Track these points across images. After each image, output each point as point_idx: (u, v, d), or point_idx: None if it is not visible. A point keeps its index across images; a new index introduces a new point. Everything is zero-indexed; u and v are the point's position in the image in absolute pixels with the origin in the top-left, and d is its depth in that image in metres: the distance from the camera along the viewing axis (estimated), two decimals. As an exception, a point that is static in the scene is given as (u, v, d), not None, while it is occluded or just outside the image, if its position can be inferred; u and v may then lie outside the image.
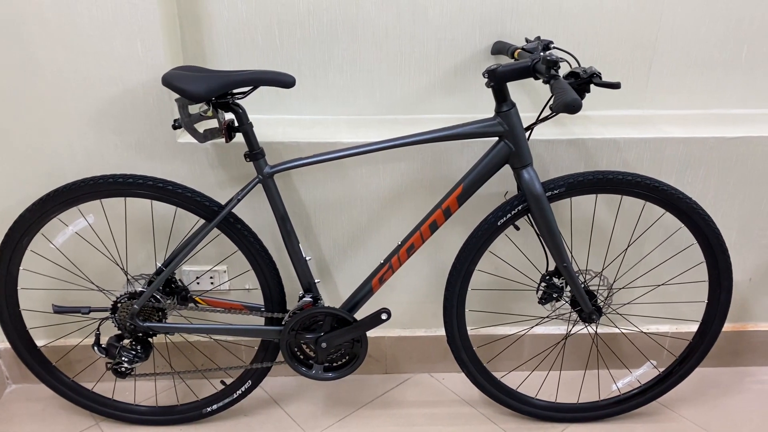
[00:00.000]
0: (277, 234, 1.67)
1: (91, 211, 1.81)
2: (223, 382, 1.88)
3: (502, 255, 1.94)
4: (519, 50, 1.61)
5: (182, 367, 2.03)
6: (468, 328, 1.80)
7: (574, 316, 1.77)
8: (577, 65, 1.47)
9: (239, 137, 1.57)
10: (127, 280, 1.78)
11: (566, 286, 1.72)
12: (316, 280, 1.73)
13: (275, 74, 1.50)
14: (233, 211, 1.63)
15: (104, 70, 1.66)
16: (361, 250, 1.94)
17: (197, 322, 1.80)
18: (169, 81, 1.49)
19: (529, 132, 1.59)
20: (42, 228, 1.70)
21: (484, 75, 1.49)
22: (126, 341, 1.72)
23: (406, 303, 2.03)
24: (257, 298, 1.80)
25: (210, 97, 1.47)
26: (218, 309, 1.74)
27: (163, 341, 1.98)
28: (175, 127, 1.56)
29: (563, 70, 1.42)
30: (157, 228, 1.85)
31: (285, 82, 1.50)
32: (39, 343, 1.87)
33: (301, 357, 1.78)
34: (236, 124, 1.55)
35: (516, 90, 1.76)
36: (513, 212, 1.65)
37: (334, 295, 2.01)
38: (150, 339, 1.74)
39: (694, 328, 1.86)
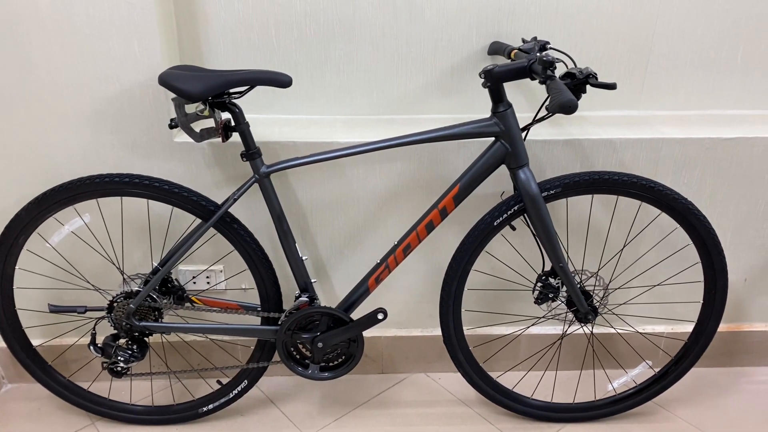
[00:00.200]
0: (274, 234, 1.67)
1: (88, 210, 1.81)
2: (219, 382, 1.88)
3: (499, 255, 1.94)
4: (515, 51, 1.61)
5: (178, 366, 2.03)
6: (464, 328, 1.80)
7: (570, 316, 1.78)
8: (573, 66, 1.48)
9: (236, 137, 1.57)
10: (124, 279, 1.78)
11: (562, 287, 1.72)
12: (312, 280, 1.73)
13: (272, 74, 1.50)
14: (229, 210, 1.63)
15: (101, 69, 1.66)
16: (358, 249, 1.94)
17: (193, 322, 1.80)
18: (165, 80, 1.49)
19: (525, 132, 1.60)
20: (38, 227, 1.69)
21: (480, 75, 1.50)
22: (122, 341, 1.71)
23: (403, 303, 2.03)
24: (253, 298, 1.80)
25: (207, 96, 1.47)
26: (214, 308, 1.74)
27: (159, 341, 1.98)
28: (171, 127, 1.56)
29: (559, 70, 1.43)
30: (153, 227, 1.85)
31: (282, 81, 1.50)
32: (35, 342, 1.86)
33: (298, 357, 1.78)
34: (233, 123, 1.55)
35: (512, 90, 1.77)
36: (509, 212, 1.65)
37: (330, 294, 2.01)
38: (146, 338, 1.74)
39: (689, 328, 1.86)
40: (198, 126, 1.58)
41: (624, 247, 1.93)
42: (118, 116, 1.71)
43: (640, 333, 2.05)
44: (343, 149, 1.57)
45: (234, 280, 1.96)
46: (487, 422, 1.91)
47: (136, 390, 2.01)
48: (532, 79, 1.45)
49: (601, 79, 1.41)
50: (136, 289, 1.68)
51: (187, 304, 1.74)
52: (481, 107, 1.82)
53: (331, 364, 1.78)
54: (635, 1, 1.78)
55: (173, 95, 1.50)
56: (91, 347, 1.70)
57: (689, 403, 1.98)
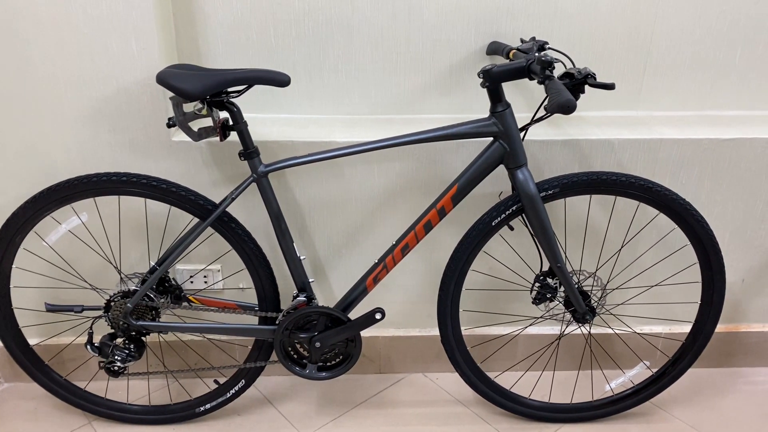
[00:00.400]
0: (272, 233, 1.67)
1: (85, 209, 1.81)
2: (216, 382, 1.87)
3: (497, 255, 1.94)
4: (514, 51, 1.61)
5: (175, 366, 2.02)
6: (462, 328, 1.80)
7: (568, 316, 1.78)
8: (572, 66, 1.48)
9: (234, 136, 1.57)
10: (121, 278, 1.78)
11: (560, 287, 1.72)
12: (310, 280, 1.73)
13: (270, 73, 1.50)
14: (227, 209, 1.63)
15: (99, 68, 1.65)
16: (356, 249, 1.94)
17: (191, 321, 1.79)
18: (163, 79, 1.49)
19: (523, 132, 1.60)
20: (35, 226, 1.69)
21: (479, 75, 1.50)
22: (119, 340, 1.71)
23: (401, 303, 2.03)
24: (251, 298, 1.79)
25: (205, 95, 1.47)
26: (212, 308, 1.74)
27: (156, 340, 1.97)
28: (169, 126, 1.56)
29: (558, 70, 1.43)
30: (150, 226, 1.85)
31: (280, 81, 1.50)
32: (32, 341, 1.86)
33: (295, 356, 1.77)
34: (231, 122, 1.55)
35: (511, 91, 1.76)
36: (507, 212, 1.65)
37: (328, 294, 2.01)
38: (143, 338, 1.74)
39: (687, 328, 1.86)
40: (196, 125, 1.58)
41: (622, 247, 1.93)
42: (116, 115, 1.71)
43: (638, 333, 2.05)
44: (341, 149, 1.57)
45: (231, 279, 1.95)
46: (484, 422, 1.91)
47: (133, 389, 2.01)
48: (531, 79, 1.45)
49: (599, 79, 1.41)
50: (134, 288, 1.68)
51: (185, 304, 1.74)
52: (479, 107, 1.81)
53: (328, 363, 1.78)
54: (634, 1, 1.78)
55: (171, 94, 1.50)
56: (88, 346, 1.70)
57: (687, 404, 1.98)
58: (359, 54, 1.81)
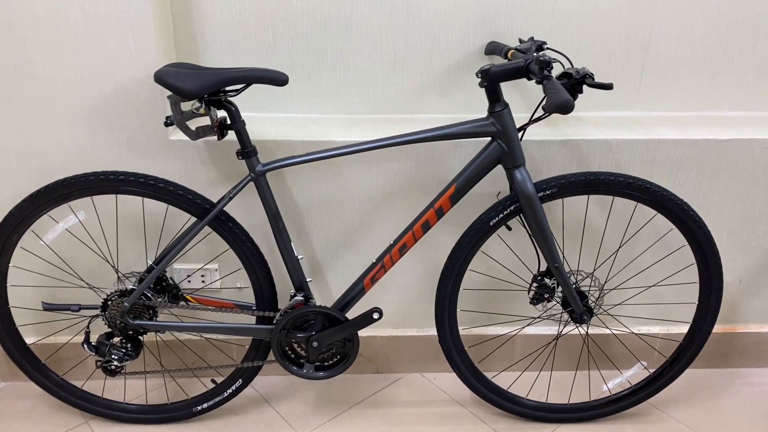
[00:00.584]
0: (269, 232, 1.66)
1: (82, 208, 1.80)
2: (213, 381, 1.87)
3: (494, 255, 1.94)
4: (512, 51, 1.61)
5: (172, 365, 2.02)
6: (460, 328, 1.80)
7: (566, 316, 1.78)
8: (570, 66, 1.48)
9: (231, 135, 1.56)
10: (118, 277, 1.78)
11: (557, 287, 1.72)
12: (307, 279, 1.72)
13: (268, 72, 1.50)
14: (225, 209, 1.63)
15: (96, 66, 1.65)
16: (354, 249, 1.94)
17: (188, 321, 1.79)
18: (161, 78, 1.48)
19: (521, 132, 1.60)
20: (32, 225, 1.68)
21: (477, 75, 1.50)
22: (116, 339, 1.71)
23: (398, 302, 2.03)
24: (249, 297, 1.79)
25: (202, 94, 1.47)
26: (209, 307, 1.74)
27: (153, 339, 1.97)
28: (167, 125, 1.55)
29: (556, 70, 1.43)
30: (148, 225, 1.84)
31: (278, 80, 1.50)
32: (28, 340, 1.86)
33: (292, 356, 1.77)
34: (229, 121, 1.55)
35: (509, 91, 1.76)
36: (505, 212, 1.65)
37: (325, 294, 2.00)
38: (140, 337, 1.73)
39: (684, 329, 1.86)
40: (194, 124, 1.57)
41: (620, 247, 1.93)
42: (114, 114, 1.71)
43: (636, 334, 2.05)
44: (339, 148, 1.56)
45: (229, 278, 1.95)
46: (481, 422, 1.91)
47: (130, 389, 2.01)
48: (529, 79, 1.45)
49: (597, 79, 1.41)
50: (131, 287, 1.67)
51: (182, 303, 1.74)
52: (477, 107, 1.81)
53: (326, 363, 1.78)
54: (632, 2, 1.78)
55: (169, 93, 1.50)
56: (85, 345, 1.70)
57: (684, 404, 1.99)
58: (357, 53, 1.81)
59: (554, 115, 1.68)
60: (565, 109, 1.25)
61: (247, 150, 1.56)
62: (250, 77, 1.49)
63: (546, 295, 1.74)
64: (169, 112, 1.54)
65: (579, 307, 1.73)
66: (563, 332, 1.96)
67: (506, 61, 1.61)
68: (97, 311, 1.70)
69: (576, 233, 1.92)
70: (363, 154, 1.80)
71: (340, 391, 2.03)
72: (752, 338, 2.11)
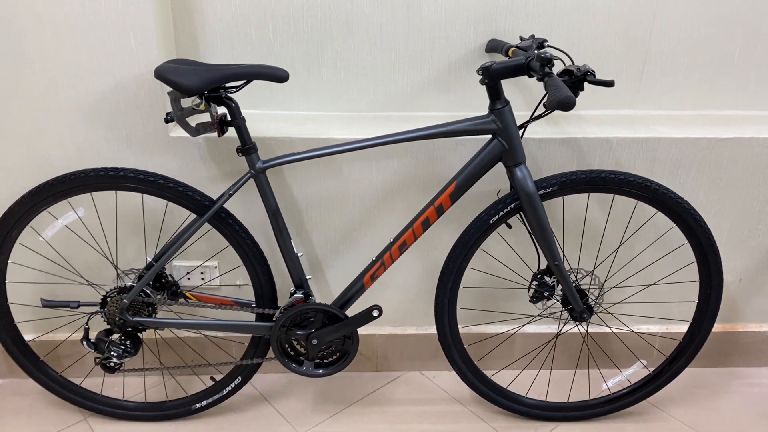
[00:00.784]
0: (269, 230, 1.66)
1: (82, 204, 1.80)
2: (212, 379, 1.87)
3: (494, 253, 1.94)
4: (513, 48, 1.61)
5: (172, 362, 2.02)
6: (459, 326, 1.80)
7: (565, 315, 1.78)
8: (571, 63, 1.47)
9: (232, 132, 1.56)
10: (117, 274, 1.77)
11: (557, 285, 1.72)
12: (307, 277, 1.72)
13: (269, 68, 1.50)
14: (225, 206, 1.63)
15: (96, 62, 1.65)
16: (353, 246, 1.94)
17: (187, 318, 1.79)
18: (161, 74, 1.48)
19: (522, 130, 1.59)
20: (31, 221, 1.68)
21: (478, 72, 1.50)
22: (115, 336, 1.71)
23: (398, 300, 2.03)
24: (248, 294, 1.79)
25: (203, 90, 1.46)
26: (208, 304, 1.73)
27: (152, 336, 1.97)
28: (167, 121, 1.55)
29: (557, 68, 1.42)
30: (147, 222, 1.84)
31: (278, 76, 1.50)
32: (27, 337, 1.85)
33: (292, 353, 1.77)
34: (229, 118, 1.54)
35: (509, 88, 1.76)
36: (505, 210, 1.65)
37: (325, 291, 2.00)
38: (139, 334, 1.73)
39: (684, 328, 1.86)
40: (194, 120, 1.57)
41: (620, 246, 1.93)
42: (114, 110, 1.70)
43: (635, 332, 2.05)
44: (339, 145, 1.56)
45: (228, 276, 1.95)
46: (481, 420, 1.91)
47: (129, 386, 2.00)
48: (530, 76, 1.45)
49: (598, 77, 1.41)
50: (130, 284, 1.67)
51: (181, 300, 1.74)
52: (478, 104, 1.81)
53: (325, 361, 1.78)
54: (633, 0, 1.78)
55: (169, 89, 1.50)
56: (84, 342, 1.69)
57: (683, 403, 1.99)
58: (358, 51, 1.81)
59: (555, 113, 1.68)
60: (567, 105, 1.25)
61: (247, 147, 1.56)
62: (251, 74, 1.49)
63: (546, 294, 1.73)
64: (169, 109, 1.53)
65: (579, 306, 1.73)
66: (563, 330, 1.96)
67: (507, 58, 1.61)
68: (96, 308, 1.69)
69: (576, 231, 1.91)
70: (363, 152, 1.80)
71: (340, 389, 2.03)
72: (752, 337, 2.11)
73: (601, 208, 1.89)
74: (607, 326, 2.02)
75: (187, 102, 1.53)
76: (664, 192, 1.64)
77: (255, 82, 1.51)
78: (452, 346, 1.81)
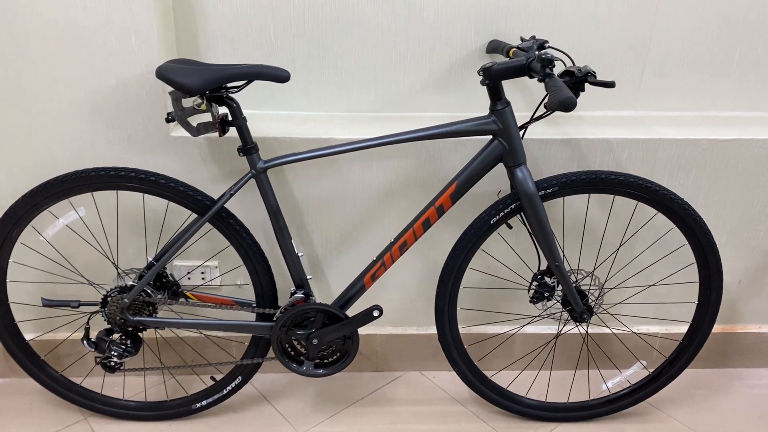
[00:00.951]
0: (270, 230, 1.66)
1: (83, 203, 1.80)
2: (213, 378, 1.87)
3: (495, 254, 1.94)
4: (514, 49, 1.61)
5: (172, 362, 2.02)
6: (459, 326, 1.80)
7: (565, 315, 1.78)
8: (572, 64, 1.48)
9: (233, 132, 1.56)
10: (118, 274, 1.77)
11: (558, 286, 1.72)
12: (308, 277, 1.72)
13: (270, 69, 1.50)
14: (225, 205, 1.63)
15: (97, 62, 1.65)
16: (354, 246, 1.94)
17: (188, 318, 1.79)
18: (162, 74, 1.48)
19: (523, 131, 1.60)
20: (32, 220, 1.68)
21: (479, 73, 1.50)
22: (116, 336, 1.71)
23: (398, 300, 2.03)
24: (249, 294, 1.79)
25: (204, 90, 1.47)
26: (209, 304, 1.74)
27: (153, 336, 1.97)
28: (168, 121, 1.55)
29: (558, 69, 1.43)
30: (148, 222, 1.84)
31: (279, 76, 1.50)
32: (27, 336, 1.85)
33: (292, 353, 1.77)
34: (230, 118, 1.55)
35: (510, 89, 1.76)
36: (506, 211, 1.65)
37: (325, 291, 2.00)
38: (140, 334, 1.73)
39: (684, 329, 1.86)
40: (195, 120, 1.57)
41: (620, 246, 1.93)
42: (115, 110, 1.71)
43: (635, 333, 2.06)
44: (340, 145, 1.56)
45: (229, 275, 1.95)
46: (481, 421, 1.91)
47: (129, 385, 2.00)
48: (531, 77, 1.45)
49: (598, 78, 1.41)
50: (131, 283, 1.67)
51: (182, 300, 1.74)
52: (479, 105, 1.81)
53: (325, 361, 1.78)
54: (633, 1, 1.78)
55: (170, 89, 1.50)
56: (85, 342, 1.69)
57: (683, 404, 1.99)
58: (359, 51, 1.81)
59: (555, 114, 1.68)
60: (568, 106, 1.25)
61: (248, 147, 1.56)
62: (252, 74, 1.49)
63: (546, 294, 1.74)
64: (171, 109, 1.53)
65: (579, 306, 1.73)
66: (563, 331, 1.96)
67: (508, 59, 1.61)
68: (97, 307, 1.69)
69: (576, 232, 1.92)
70: (364, 152, 1.80)
71: (340, 389, 2.03)
72: (751, 338, 2.12)
73: (601, 208, 1.89)
74: (607, 327, 2.02)
75: (188, 102, 1.53)
76: (664, 193, 1.65)
77: (256, 82, 1.52)
78: (452, 347, 1.81)
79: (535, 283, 1.74)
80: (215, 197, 1.65)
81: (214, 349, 2.03)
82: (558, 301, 1.76)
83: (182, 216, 1.78)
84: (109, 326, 1.70)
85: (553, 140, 1.79)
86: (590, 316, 1.75)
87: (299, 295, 1.71)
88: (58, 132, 1.73)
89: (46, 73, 1.65)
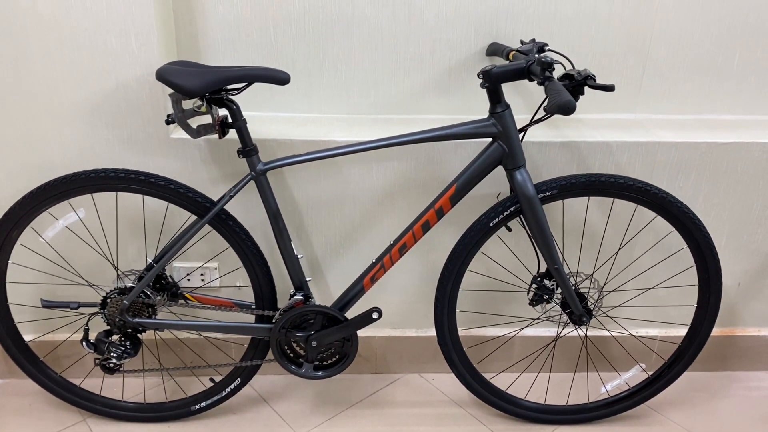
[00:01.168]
0: (269, 231, 1.66)
1: (82, 205, 1.80)
2: (212, 380, 1.87)
3: (494, 256, 1.94)
4: (514, 52, 1.61)
5: (171, 363, 2.02)
6: (459, 328, 1.80)
7: (565, 318, 1.78)
8: (572, 67, 1.48)
9: (233, 134, 1.56)
10: (117, 275, 1.78)
11: (557, 288, 1.72)
12: (307, 279, 1.72)
13: (270, 71, 1.50)
14: (225, 207, 1.63)
15: (98, 64, 1.65)
16: (353, 248, 1.94)
17: (187, 319, 1.79)
18: (163, 76, 1.48)
19: (522, 134, 1.60)
20: (32, 222, 1.68)
21: (479, 76, 1.50)
22: (115, 337, 1.71)
23: (397, 303, 2.03)
24: (248, 296, 1.79)
25: (204, 92, 1.47)
26: (208, 306, 1.74)
27: (152, 337, 1.97)
28: (168, 123, 1.55)
29: (557, 72, 1.43)
30: (148, 223, 1.84)
31: (280, 78, 1.50)
32: (27, 337, 1.85)
33: (291, 355, 1.77)
34: (230, 120, 1.55)
35: (510, 92, 1.77)
36: (505, 213, 1.65)
37: (325, 293, 2.00)
38: (139, 335, 1.73)
39: (683, 331, 1.87)
40: (195, 122, 1.57)
41: (619, 249, 1.93)
42: (115, 111, 1.71)
43: (634, 336, 2.06)
44: (340, 148, 1.56)
45: (228, 277, 1.95)
46: (480, 423, 1.91)
47: (129, 387, 2.00)
48: (531, 80, 1.46)
49: (598, 81, 1.41)
50: (130, 285, 1.67)
51: (181, 301, 1.74)
52: (478, 108, 1.82)
53: (324, 363, 1.78)
54: (633, 4, 1.79)
55: (170, 91, 1.50)
56: (84, 343, 1.69)
57: (682, 407, 1.99)
58: (359, 53, 1.81)
59: (555, 116, 1.68)
60: (567, 110, 1.25)
61: (248, 149, 1.56)
62: (252, 76, 1.49)
63: (545, 297, 1.74)
64: (171, 110, 1.53)
65: (578, 309, 1.73)
66: (562, 334, 1.96)
67: (508, 62, 1.61)
68: (96, 309, 1.69)
69: (576, 235, 1.92)
70: (363, 154, 1.80)
71: (339, 391, 2.03)
72: (750, 341, 2.12)
73: (600, 211, 1.90)
74: (606, 330, 2.02)
75: (188, 104, 1.53)
76: (663, 196, 1.65)
77: (256, 84, 1.52)
78: (451, 349, 1.81)
79: (534, 285, 1.74)
80: (215, 199, 1.65)
81: (213, 351, 2.03)
82: (557, 304, 1.76)
83: (182, 217, 1.78)
84: (109, 327, 1.70)
85: (552, 143, 1.79)
86: (589, 319, 1.75)
87: (298, 297, 1.71)
88: (58, 133, 1.73)
89: (46, 74, 1.66)
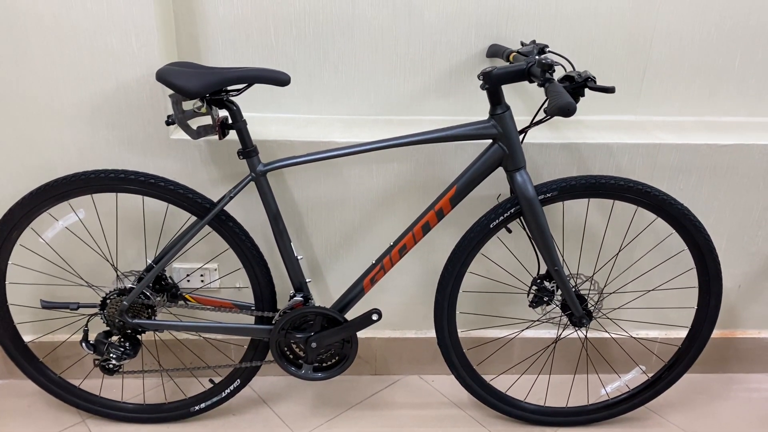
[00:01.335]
0: (269, 232, 1.66)
1: (82, 206, 1.80)
2: (211, 381, 1.87)
3: (494, 258, 1.94)
4: (514, 53, 1.61)
5: (171, 364, 2.02)
6: (458, 330, 1.80)
7: (565, 320, 1.78)
8: (572, 69, 1.48)
9: (233, 135, 1.56)
10: (117, 276, 1.77)
11: (557, 290, 1.72)
12: (307, 280, 1.72)
13: (270, 72, 1.50)
14: (225, 208, 1.63)
15: (98, 64, 1.65)
16: (353, 250, 1.94)
17: (187, 320, 1.79)
18: (163, 76, 1.48)
19: (522, 135, 1.60)
20: (32, 222, 1.68)
21: (479, 77, 1.50)
22: (114, 338, 1.71)
23: (397, 304, 2.03)
24: (248, 297, 1.79)
25: (204, 93, 1.47)
26: (208, 307, 1.73)
27: (151, 338, 1.97)
28: (168, 123, 1.55)
29: (558, 74, 1.43)
30: (148, 224, 1.84)
31: (280, 80, 1.50)
32: (26, 338, 1.85)
33: (291, 356, 1.77)
34: (230, 121, 1.55)
35: (510, 94, 1.76)
36: (505, 215, 1.65)
37: (325, 295, 2.00)
38: (139, 336, 1.73)
39: (683, 333, 1.86)
40: (195, 123, 1.57)
41: (619, 251, 1.93)
42: (115, 112, 1.71)
43: (634, 338, 2.05)
44: (340, 149, 1.56)
45: (228, 278, 1.95)
46: (479, 425, 1.91)
47: (128, 388, 2.00)
48: (531, 81, 1.45)
49: (599, 83, 1.41)
50: (130, 286, 1.67)
51: (181, 302, 1.73)
52: (479, 109, 1.82)
53: (324, 364, 1.78)
54: (634, 6, 1.78)
55: (171, 92, 1.50)
56: (83, 344, 1.69)
57: (682, 409, 1.99)
58: (359, 54, 1.81)
59: (555, 118, 1.68)
60: (568, 111, 1.25)
61: (248, 150, 1.56)
62: (252, 77, 1.49)
63: (545, 299, 1.74)
64: (171, 111, 1.53)
65: (578, 311, 1.73)
66: (562, 336, 1.96)
67: (508, 63, 1.61)
68: (96, 310, 1.69)
69: (576, 236, 1.92)
70: (364, 155, 1.80)
71: (338, 393, 2.03)
72: (751, 344, 2.11)
73: (601, 213, 1.89)
74: (606, 331, 2.02)
75: (188, 105, 1.53)
76: (664, 198, 1.65)
77: (256, 86, 1.52)
78: (451, 350, 1.81)
79: (534, 287, 1.74)
80: (215, 200, 1.65)
81: (212, 352, 2.03)
82: (557, 306, 1.76)
83: (182, 218, 1.78)
84: (108, 328, 1.70)
85: (552, 144, 1.79)
86: (589, 321, 1.75)
87: (298, 298, 1.71)
88: (58, 134, 1.73)
89: (46, 75, 1.66)
